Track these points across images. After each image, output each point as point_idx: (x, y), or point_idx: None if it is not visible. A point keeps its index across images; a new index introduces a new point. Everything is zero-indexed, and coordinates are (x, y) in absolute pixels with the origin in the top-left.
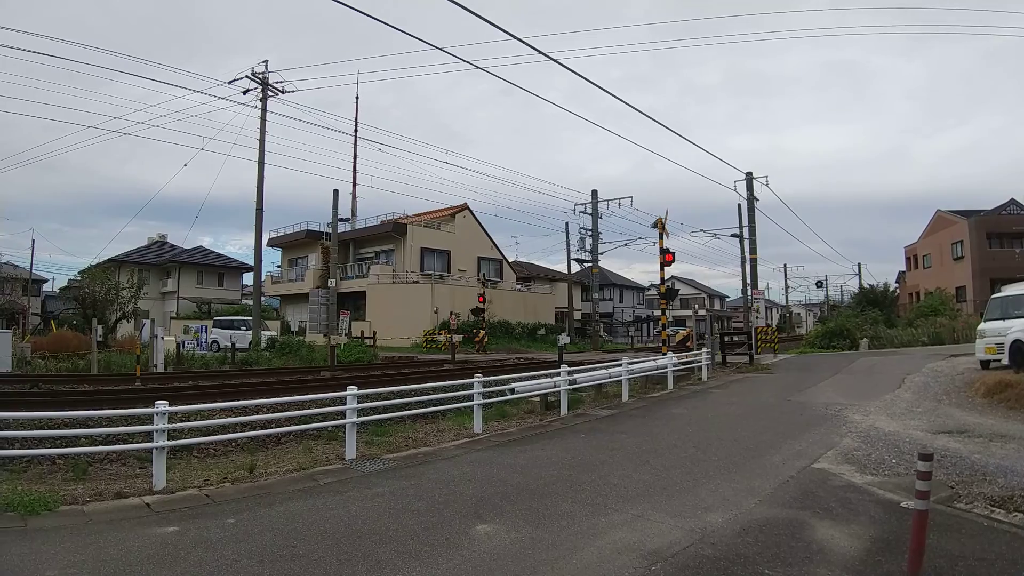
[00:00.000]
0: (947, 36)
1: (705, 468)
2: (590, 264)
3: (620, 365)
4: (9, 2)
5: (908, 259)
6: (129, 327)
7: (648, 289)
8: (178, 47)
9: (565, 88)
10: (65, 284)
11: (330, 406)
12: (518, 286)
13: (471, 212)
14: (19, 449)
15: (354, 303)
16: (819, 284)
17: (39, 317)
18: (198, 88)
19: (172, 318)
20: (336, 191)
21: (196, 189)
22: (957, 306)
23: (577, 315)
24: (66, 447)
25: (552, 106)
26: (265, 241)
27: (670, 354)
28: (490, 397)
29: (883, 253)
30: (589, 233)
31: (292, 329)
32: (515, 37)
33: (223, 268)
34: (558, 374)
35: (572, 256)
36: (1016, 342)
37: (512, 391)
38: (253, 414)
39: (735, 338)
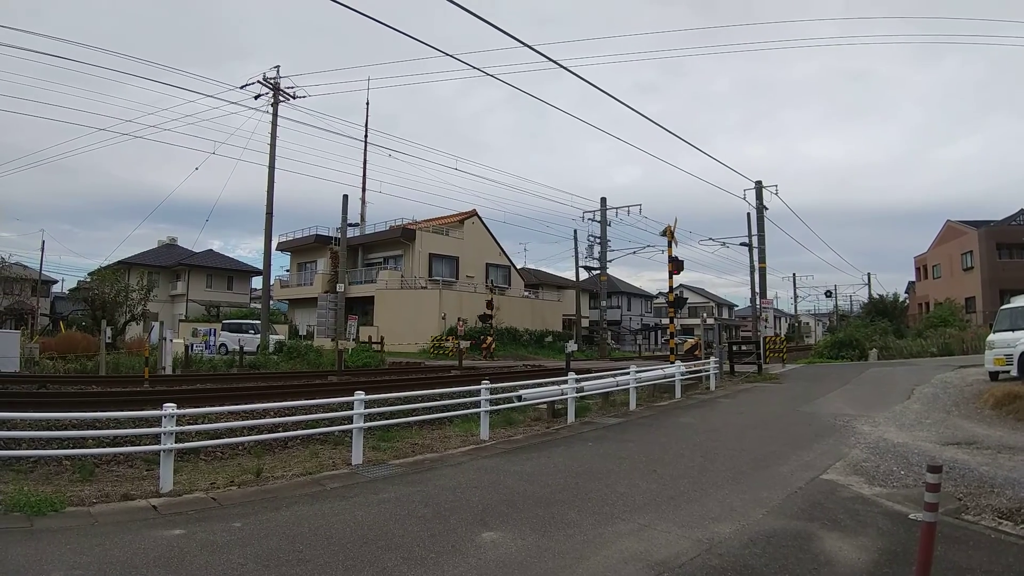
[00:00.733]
0: (957, 45)
1: (713, 478)
2: (598, 271)
3: (628, 373)
4: (20, 5)
5: (918, 269)
6: (138, 329)
7: (656, 297)
8: (190, 52)
9: (575, 96)
10: (75, 285)
11: (338, 411)
12: (526, 293)
13: (480, 218)
14: (26, 450)
15: (362, 308)
16: (828, 294)
17: (48, 318)
18: (210, 92)
19: (181, 321)
20: (346, 196)
21: (207, 193)
22: (967, 317)
23: (585, 322)
24: (73, 448)
25: (561, 113)
26: (274, 245)
27: (678, 363)
28: (497, 404)
29: (893, 263)
30: (597, 240)
31: (300, 333)
32: (525, 44)
33: (232, 271)
34: (565, 381)
35: (580, 263)
36: None
37: (519, 398)
38: (260, 418)
39: (743, 347)
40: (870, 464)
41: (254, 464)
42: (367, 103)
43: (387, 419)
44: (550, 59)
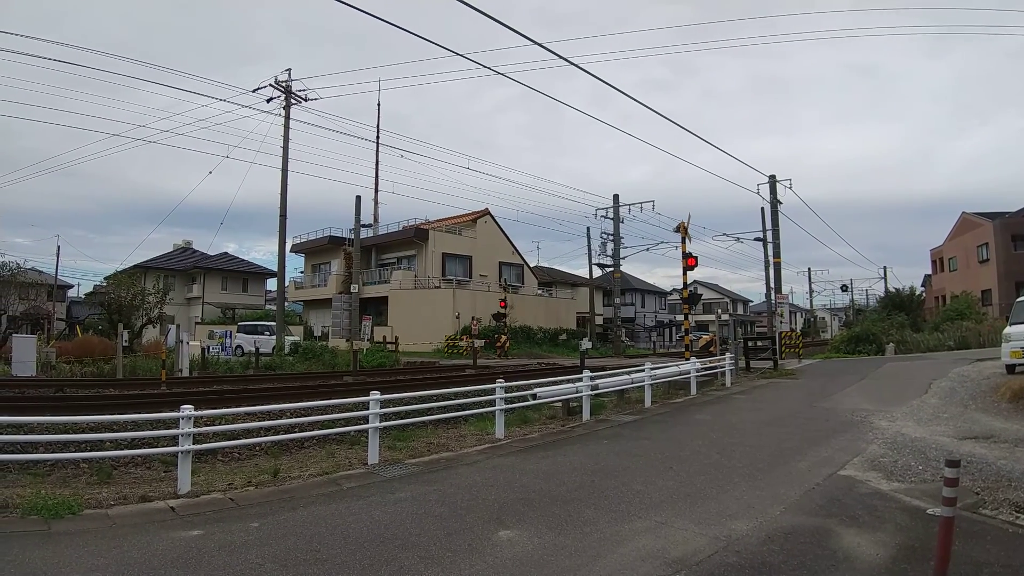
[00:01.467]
0: (970, 36)
1: (729, 475)
2: (612, 269)
3: (642, 370)
4: (35, 12)
5: (934, 262)
6: (155, 332)
7: (670, 294)
8: (203, 57)
9: (586, 93)
10: (91, 290)
11: (353, 411)
12: (540, 291)
13: (492, 217)
14: (43, 453)
15: (376, 308)
16: (844, 288)
17: (64, 322)
18: (222, 97)
19: (197, 323)
20: (358, 197)
21: (221, 196)
22: (983, 309)
23: (599, 320)
24: (91, 451)
25: (574, 111)
26: (288, 247)
27: (693, 359)
28: (512, 402)
29: (909, 256)
30: (611, 238)
31: (315, 334)
32: (535, 42)
33: (247, 274)
34: (580, 379)
35: (594, 261)
36: None
37: (534, 396)
38: (277, 418)
39: (759, 343)
40: (888, 459)
41: (271, 464)
42: (378, 104)
43: (402, 419)
44: (561, 57)
